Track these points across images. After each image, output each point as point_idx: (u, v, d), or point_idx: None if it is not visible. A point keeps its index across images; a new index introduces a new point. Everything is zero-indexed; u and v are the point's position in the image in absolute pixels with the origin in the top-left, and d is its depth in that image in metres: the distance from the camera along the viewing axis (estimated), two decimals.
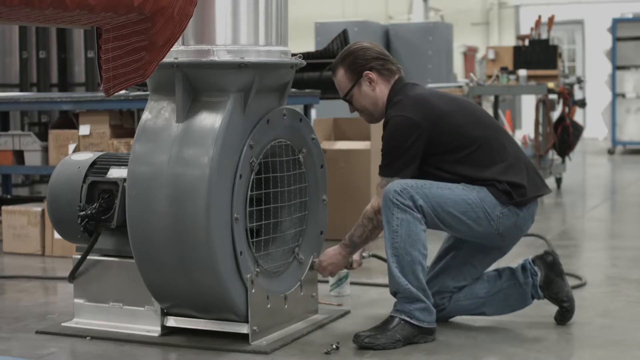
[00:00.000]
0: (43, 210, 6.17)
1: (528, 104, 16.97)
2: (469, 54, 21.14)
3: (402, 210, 3.85)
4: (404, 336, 3.86)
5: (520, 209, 3.98)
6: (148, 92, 4.02)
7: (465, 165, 3.98)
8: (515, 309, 4.22)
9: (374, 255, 4.59)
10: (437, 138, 3.97)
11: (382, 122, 4.12)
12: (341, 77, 4.13)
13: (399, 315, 3.89)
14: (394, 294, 3.93)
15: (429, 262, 4.02)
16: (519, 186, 3.97)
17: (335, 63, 4.15)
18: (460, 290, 4.18)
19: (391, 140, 3.97)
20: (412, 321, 3.87)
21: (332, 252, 4.20)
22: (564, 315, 4.17)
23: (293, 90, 6.19)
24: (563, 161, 10.16)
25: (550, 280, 4.14)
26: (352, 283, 4.91)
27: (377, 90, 4.09)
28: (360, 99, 4.12)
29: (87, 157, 4.35)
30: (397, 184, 3.89)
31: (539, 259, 4.17)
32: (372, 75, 4.08)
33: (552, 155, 10.00)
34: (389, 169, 3.98)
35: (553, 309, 4.28)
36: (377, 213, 4.00)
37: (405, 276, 3.86)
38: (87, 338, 4.05)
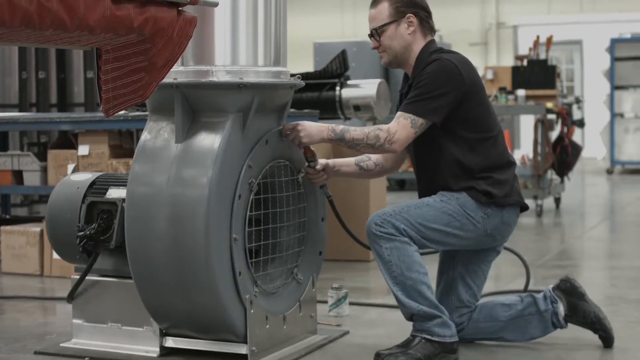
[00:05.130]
0: (42, 231, 6.16)
1: (527, 123, 16.97)
2: None
3: (387, 239, 3.81)
4: (425, 355, 3.80)
5: (502, 208, 3.95)
6: (147, 113, 4.03)
7: (469, 147, 3.93)
8: (535, 336, 4.12)
9: (330, 199, 4.23)
10: (467, 103, 3.91)
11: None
12: (383, 9, 4.05)
13: (419, 334, 3.85)
14: (410, 318, 3.89)
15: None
16: (503, 187, 3.94)
17: None
18: (480, 311, 4.11)
19: (434, 79, 3.88)
20: (432, 338, 3.82)
21: (316, 124, 4.05)
22: (604, 340, 4.11)
23: (292, 110, 6.21)
24: (562, 181, 10.17)
25: (574, 306, 4.09)
26: (351, 303, 4.91)
27: (413, 36, 4.04)
28: (392, 37, 4.05)
29: (86, 177, 4.35)
30: (376, 216, 3.85)
31: (557, 289, 4.12)
32: (414, 20, 4.03)
33: (551, 175, 10.01)
34: (418, 107, 3.88)
35: None
36: (386, 140, 3.88)
37: (413, 300, 3.82)
38: (86, 359, 4.04)
